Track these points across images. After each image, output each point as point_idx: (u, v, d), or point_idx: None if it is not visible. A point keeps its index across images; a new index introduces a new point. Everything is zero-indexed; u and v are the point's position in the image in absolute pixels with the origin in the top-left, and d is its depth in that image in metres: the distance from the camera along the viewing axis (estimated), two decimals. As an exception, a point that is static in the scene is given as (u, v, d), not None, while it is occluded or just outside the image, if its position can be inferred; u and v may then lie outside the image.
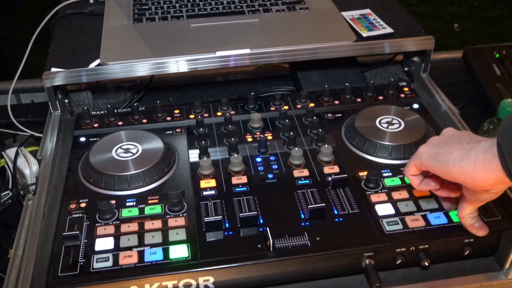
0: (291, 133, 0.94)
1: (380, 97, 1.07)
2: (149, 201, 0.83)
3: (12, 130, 1.21)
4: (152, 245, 0.76)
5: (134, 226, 0.79)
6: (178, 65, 1.03)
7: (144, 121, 1.01)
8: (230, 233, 0.77)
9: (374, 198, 0.83)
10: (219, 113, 1.03)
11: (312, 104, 1.05)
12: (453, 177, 0.66)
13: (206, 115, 1.02)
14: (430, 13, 3.67)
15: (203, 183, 0.86)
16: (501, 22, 3.56)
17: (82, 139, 0.98)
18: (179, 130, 0.99)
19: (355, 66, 1.20)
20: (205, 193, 0.84)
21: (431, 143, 0.71)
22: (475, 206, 0.72)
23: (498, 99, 1.20)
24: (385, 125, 0.95)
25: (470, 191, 0.69)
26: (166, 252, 0.74)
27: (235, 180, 0.87)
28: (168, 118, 1.02)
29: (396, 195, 0.83)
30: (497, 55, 1.32)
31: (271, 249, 0.74)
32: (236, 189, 0.85)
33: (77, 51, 1.09)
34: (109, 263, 0.73)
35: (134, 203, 0.83)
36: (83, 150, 0.94)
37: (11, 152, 1.08)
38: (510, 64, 1.31)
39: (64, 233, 0.76)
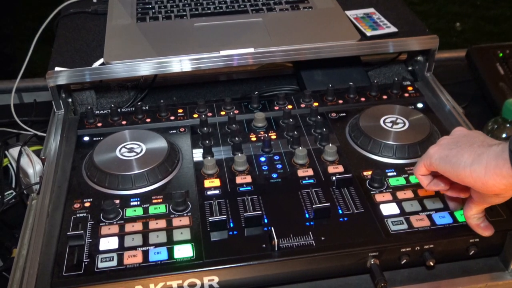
0: (295, 132, 0.94)
1: (384, 97, 1.06)
2: (153, 201, 0.83)
3: (15, 129, 1.21)
4: (157, 245, 0.75)
5: (138, 226, 0.78)
6: (181, 64, 1.03)
7: (148, 120, 1.01)
8: (235, 232, 0.77)
9: (378, 197, 0.83)
10: (222, 113, 1.03)
11: (316, 104, 1.05)
12: (463, 180, 0.66)
13: (209, 114, 1.02)
14: (432, 12, 3.67)
15: (207, 183, 0.86)
16: (503, 21, 3.56)
17: (86, 138, 0.98)
18: (183, 129, 0.99)
19: (359, 66, 1.20)
20: (209, 192, 0.84)
21: (441, 143, 0.71)
22: (482, 207, 0.72)
23: (502, 98, 1.20)
24: (390, 125, 0.94)
25: (479, 193, 0.69)
26: (170, 252, 0.74)
27: (239, 180, 0.87)
28: (172, 118, 1.02)
29: (400, 194, 0.83)
30: (501, 55, 1.32)
31: (276, 249, 0.74)
32: (240, 189, 0.85)
33: (80, 50, 1.09)
34: (114, 263, 0.73)
35: (138, 202, 0.83)
36: (87, 149, 0.94)
37: (14, 151, 1.08)
38: (514, 63, 1.30)
39: (68, 233, 0.76)
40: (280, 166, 0.90)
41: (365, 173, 0.87)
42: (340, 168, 0.89)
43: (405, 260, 0.77)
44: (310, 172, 0.88)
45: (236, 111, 1.03)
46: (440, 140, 0.72)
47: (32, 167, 1.02)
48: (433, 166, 0.70)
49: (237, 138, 0.93)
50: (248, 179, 0.87)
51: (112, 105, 1.03)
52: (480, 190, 0.65)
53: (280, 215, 0.80)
